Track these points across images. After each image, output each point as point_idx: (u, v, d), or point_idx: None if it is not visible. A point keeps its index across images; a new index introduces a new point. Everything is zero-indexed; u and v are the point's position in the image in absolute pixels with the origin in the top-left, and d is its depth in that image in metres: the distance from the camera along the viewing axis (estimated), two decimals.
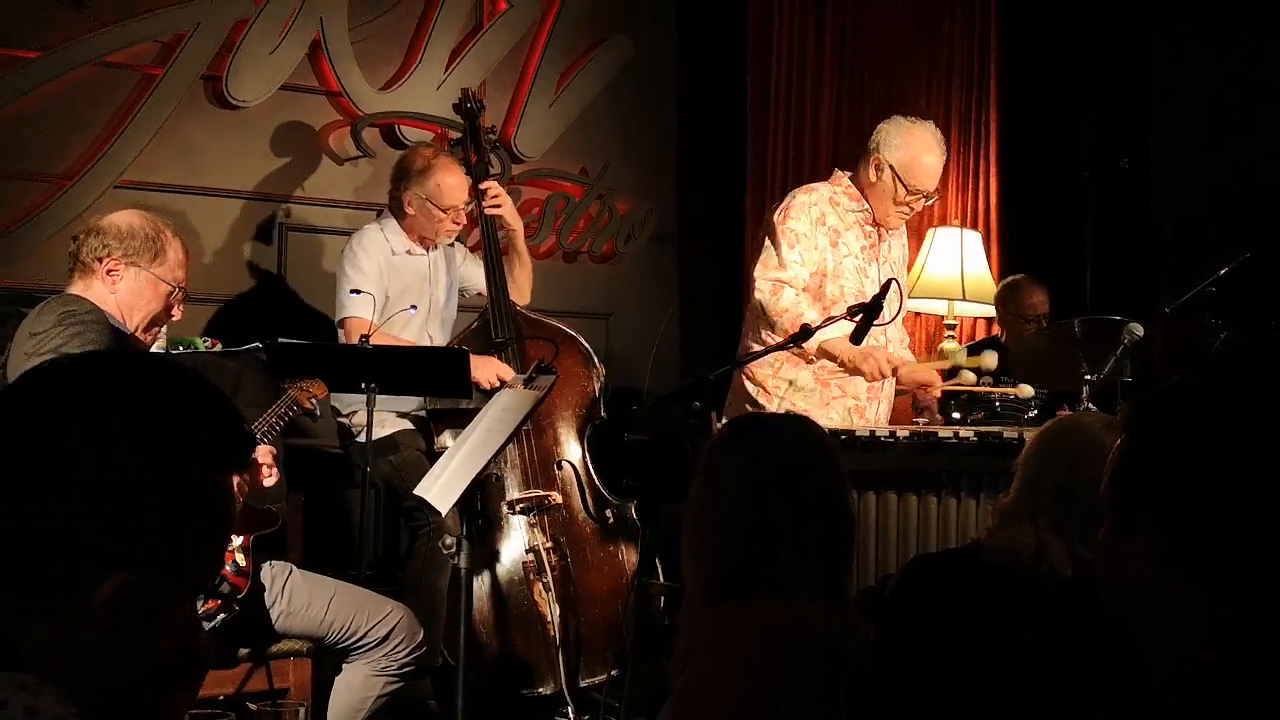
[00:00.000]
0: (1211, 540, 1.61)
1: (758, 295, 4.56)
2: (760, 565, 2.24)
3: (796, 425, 2.40)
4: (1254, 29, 6.16)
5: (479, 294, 5.18)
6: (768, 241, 4.62)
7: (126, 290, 3.51)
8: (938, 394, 4.61)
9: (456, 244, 5.20)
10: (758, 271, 4.59)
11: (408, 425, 4.89)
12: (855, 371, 4.45)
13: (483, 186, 4.94)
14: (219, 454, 1.34)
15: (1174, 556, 1.63)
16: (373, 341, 4.41)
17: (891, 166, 4.55)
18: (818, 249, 4.56)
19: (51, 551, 1.27)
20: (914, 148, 4.56)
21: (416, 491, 3.46)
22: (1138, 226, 6.72)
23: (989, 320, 6.78)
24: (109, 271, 3.49)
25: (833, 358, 4.48)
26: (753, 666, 2.16)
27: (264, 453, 3.63)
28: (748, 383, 4.65)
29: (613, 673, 4.49)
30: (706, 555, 2.31)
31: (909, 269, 5.60)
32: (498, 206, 4.96)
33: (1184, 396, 1.73)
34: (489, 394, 4.40)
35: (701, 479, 2.37)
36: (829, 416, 4.45)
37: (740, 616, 2.22)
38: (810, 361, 4.55)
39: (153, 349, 4.59)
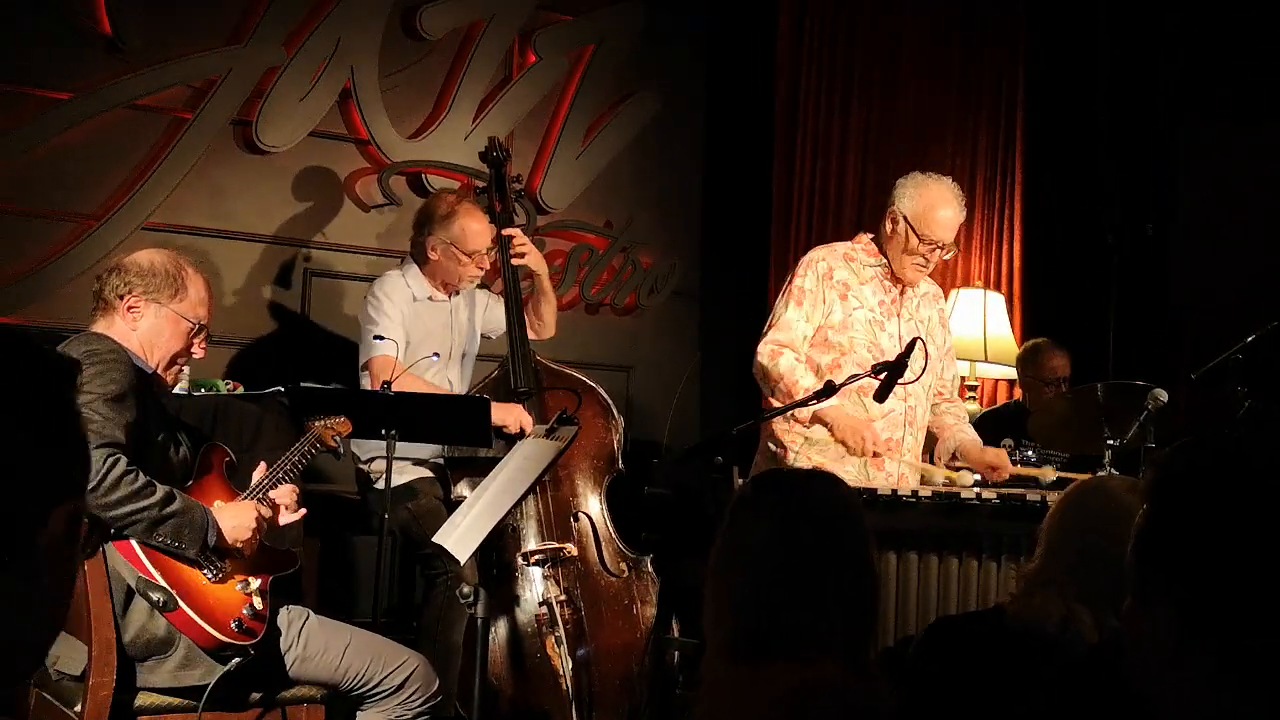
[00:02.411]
0: (1230, 619, 1.58)
1: (757, 359, 4.56)
2: (783, 625, 2.21)
3: (823, 482, 2.37)
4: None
5: (504, 335, 5.20)
6: (779, 301, 4.65)
7: (147, 327, 3.51)
8: (1005, 477, 4.56)
9: (479, 288, 5.20)
10: (763, 333, 4.61)
11: (426, 473, 4.88)
12: (840, 442, 4.42)
13: (507, 233, 4.95)
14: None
15: (1192, 632, 1.60)
16: (399, 385, 4.41)
17: (905, 217, 4.57)
18: (824, 303, 4.58)
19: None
20: (928, 199, 4.58)
21: (435, 539, 3.44)
22: (1160, 292, 6.72)
23: (1010, 382, 6.78)
24: (130, 309, 3.49)
25: (825, 424, 4.46)
26: None
27: (285, 492, 3.62)
28: (768, 439, 4.64)
29: None
30: (728, 613, 2.29)
31: None
32: (523, 255, 4.97)
33: (1205, 466, 1.70)
34: (509, 442, 4.39)
35: (724, 535, 2.34)
36: (845, 470, 4.43)
37: (762, 677, 2.19)
38: (807, 425, 4.53)
39: (175, 389, 4.62)
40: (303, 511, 3.66)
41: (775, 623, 2.22)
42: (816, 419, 4.46)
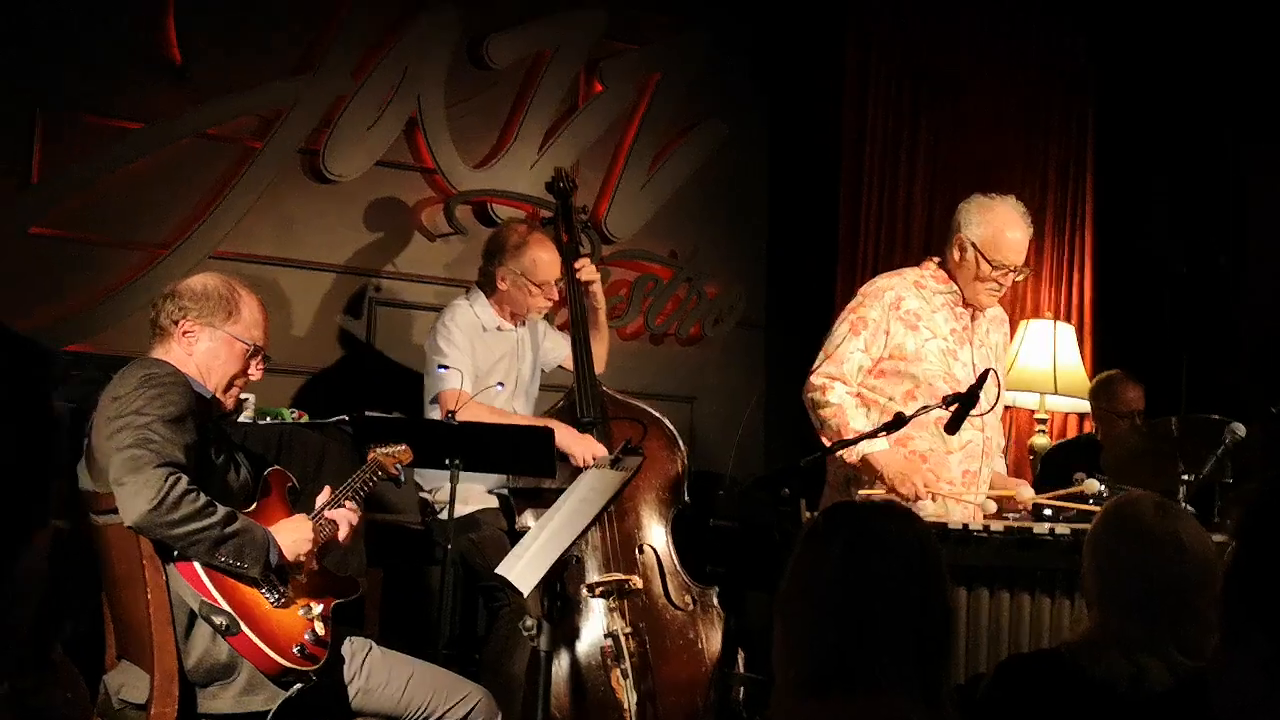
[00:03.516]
0: None
1: (809, 391, 4.48)
2: (854, 662, 2.16)
3: (897, 517, 2.31)
4: None
5: (560, 367, 5.18)
6: (837, 327, 4.56)
7: (203, 351, 3.52)
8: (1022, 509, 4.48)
9: (541, 321, 5.19)
10: (817, 361, 4.52)
11: (490, 503, 4.86)
12: (891, 490, 4.31)
13: (576, 266, 4.94)
14: None
15: None
16: (467, 413, 4.39)
17: (974, 244, 4.49)
18: (887, 334, 4.49)
19: None
20: (995, 223, 4.50)
21: (498, 571, 3.41)
22: (1232, 324, 6.61)
23: (1081, 416, 6.68)
24: (185, 333, 3.51)
25: (874, 470, 4.36)
26: None
27: (345, 511, 3.61)
28: (840, 471, 4.57)
29: None
30: (798, 649, 2.23)
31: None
32: (591, 282, 4.96)
33: None
34: (573, 472, 4.36)
35: (795, 569, 2.29)
36: (920, 506, 4.35)
37: (833, 713, 2.14)
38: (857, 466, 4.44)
39: (240, 418, 4.63)
40: (359, 516, 3.65)
41: (846, 659, 2.16)
42: (866, 464, 4.36)
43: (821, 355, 4.54)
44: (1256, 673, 1.55)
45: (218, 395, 3.55)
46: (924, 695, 2.19)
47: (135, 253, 5.43)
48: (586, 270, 4.97)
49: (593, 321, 5.04)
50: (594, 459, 4.48)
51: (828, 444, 4.34)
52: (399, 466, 3.91)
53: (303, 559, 3.44)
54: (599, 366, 5.06)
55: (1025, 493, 4.45)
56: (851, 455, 4.34)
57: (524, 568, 3.35)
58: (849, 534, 2.26)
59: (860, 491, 4.37)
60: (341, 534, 3.60)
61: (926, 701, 2.18)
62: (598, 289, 5.04)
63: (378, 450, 3.88)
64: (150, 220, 5.47)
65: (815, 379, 4.50)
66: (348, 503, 3.64)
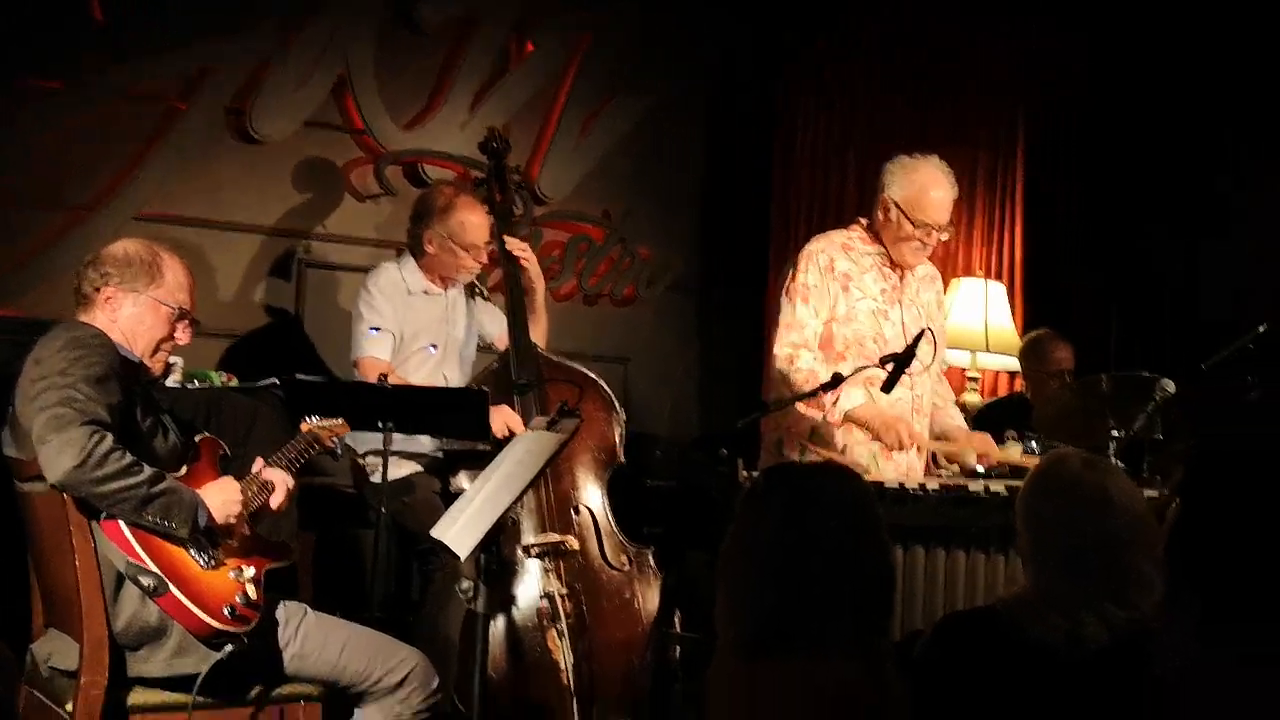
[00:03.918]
0: (1261, 610, 1.54)
1: (776, 363, 4.50)
2: (796, 623, 2.16)
3: (836, 476, 2.31)
4: None
5: (491, 344, 5.13)
6: (783, 299, 4.59)
7: (127, 317, 3.48)
8: (994, 462, 4.53)
9: (477, 296, 5.14)
10: (777, 336, 4.55)
11: (422, 467, 4.82)
12: (876, 438, 4.38)
13: (514, 249, 4.86)
14: None
15: (1220, 634, 1.55)
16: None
17: (897, 203, 4.53)
18: (830, 295, 4.53)
19: None
20: (918, 182, 4.54)
21: (433, 534, 3.38)
22: (1162, 283, 6.68)
23: (1011, 373, 6.73)
24: (108, 300, 3.47)
25: (859, 423, 4.41)
26: None
27: (277, 475, 3.58)
28: (774, 433, 4.59)
29: None
30: (739, 610, 2.23)
31: None
32: (527, 260, 4.90)
33: (1238, 468, 1.65)
34: (499, 442, 4.33)
35: (736, 530, 2.29)
36: (855, 463, 4.38)
37: (776, 676, 2.14)
38: (837, 425, 4.48)
39: (168, 381, 4.56)
40: (293, 483, 3.62)
41: (788, 622, 2.17)
42: (850, 419, 4.40)
43: (780, 330, 4.55)
44: (1192, 632, 1.56)
45: (145, 360, 3.51)
46: (863, 655, 2.19)
47: (58, 215, 5.32)
48: (522, 251, 4.90)
49: (530, 305, 4.97)
50: (508, 430, 4.45)
51: (817, 412, 4.36)
52: (335, 440, 3.89)
53: (232, 521, 3.41)
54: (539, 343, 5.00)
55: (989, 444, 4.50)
56: (832, 417, 4.41)
57: (460, 531, 3.33)
58: (788, 494, 2.26)
59: (818, 450, 4.41)
60: (275, 499, 3.57)
61: (866, 662, 2.18)
62: (535, 272, 4.96)
63: (313, 423, 3.84)
64: (74, 182, 5.36)
65: (780, 351, 4.51)
66: (282, 470, 3.60)
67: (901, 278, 4.65)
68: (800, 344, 4.49)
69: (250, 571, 3.40)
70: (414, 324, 4.89)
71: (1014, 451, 4.41)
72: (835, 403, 4.42)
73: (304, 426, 3.84)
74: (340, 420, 3.91)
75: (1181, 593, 1.59)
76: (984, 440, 4.60)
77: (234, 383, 5.00)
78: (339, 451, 4.05)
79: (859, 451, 4.48)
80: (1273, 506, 1.58)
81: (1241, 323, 4.72)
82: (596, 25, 6.48)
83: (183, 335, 3.59)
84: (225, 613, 3.27)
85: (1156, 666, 1.67)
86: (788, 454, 4.54)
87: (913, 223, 4.51)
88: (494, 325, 5.11)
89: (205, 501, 3.35)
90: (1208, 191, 6.55)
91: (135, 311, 3.49)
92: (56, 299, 5.08)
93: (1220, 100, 6.49)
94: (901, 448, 4.36)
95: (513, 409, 4.60)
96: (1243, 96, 6.40)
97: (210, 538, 3.36)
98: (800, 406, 4.46)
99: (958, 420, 4.80)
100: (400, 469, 4.70)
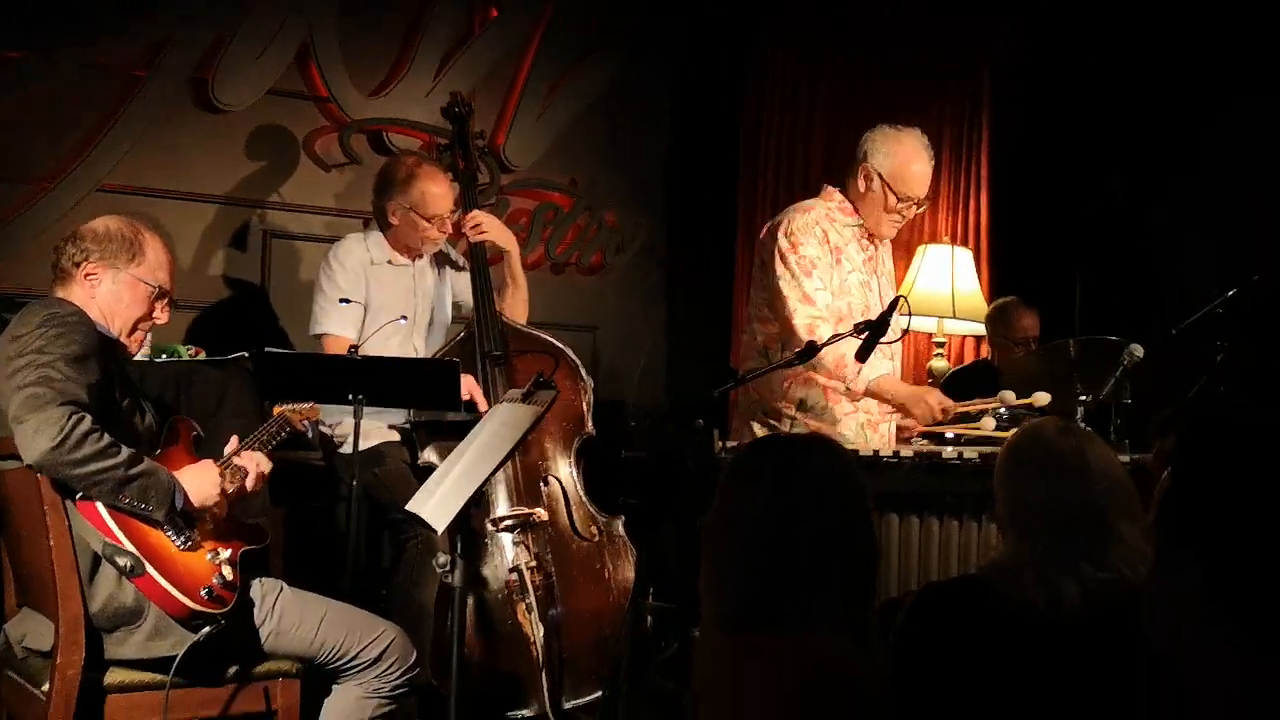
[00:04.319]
0: (1258, 580, 1.54)
1: (799, 335, 4.38)
2: (782, 596, 2.16)
3: (823, 449, 2.31)
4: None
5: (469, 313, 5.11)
6: (785, 274, 4.50)
7: (106, 294, 3.45)
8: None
9: (447, 267, 5.10)
10: (791, 310, 4.47)
11: (392, 436, 4.79)
12: (906, 413, 4.37)
13: (468, 219, 4.81)
14: None
15: (1219, 593, 1.56)
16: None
17: (880, 175, 4.52)
18: (830, 267, 4.52)
19: None
20: (903, 155, 4.53)
21: (409, 507, 3.37)
22: (1130, 248, 6.69)
23: (978, 339, 6.75)
24: (88, 275, 3.44)
25: (882, 398, 4.40)
26: (778, 706, 2.07)
27: (252, 459, 3.56)
28: (754, 403, 4.58)
29: (600, 694, 4.39)
30: (725, 583, 2.22)
31: (898, 285, 5.52)
32: (483, 233, 4.85)
33: (1231, 434, 1.66)
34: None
35: (721, 502, 2.28)
36: (840, 434, 4.38)
37: (761, 649, 2.14)
38: (856, 400, 4.47)
39: (137, 356, 4.52)
40: (268, 467, 3.59)
41: (774, 595, 2.16)
42: (871, 393, 4.39)
43: (792, 306, 4.48)
44: (1188, 598, 1.56)
45: (122, 338, 3.48)
46: (849, 628, 2.19)
47: (19, 187, 5.26)
48: (474, 220, 4.84)
49: (508, 272, 4.91)
50: (470, 397, 4.42)
51: (841, 386, 4.38)
52: (306, 424, 3.87)
53: (209, 506, 3.37)
54: (520, 319, 4.96)
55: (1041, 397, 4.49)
56: (856, 386, 4.39)
57: (437, 504, 3.32)
58: (776, 466, 2.26)
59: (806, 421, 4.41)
60: (250, 481, 3.54)
61: (853, 634, 2.18)
62: (501, 235, 4.90)
63: (284, 406, 3.82)
64: (35, 153, 5.30)
65: (799, 326, 4.44)
66: (257, 453, 3.58)
67: (876, 249, 4.66)
68: (819, 316, 4.45)
69: (227, 553, 3.38)
70: (380, 296, 4.85)
71: (988, 424, 4.41)
72: (859, 373, 4.39)
73: (276, 410, 3.82)
74: (310, 404, 3.89)
75: (1178, 558, 1.60)
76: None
77: (201, 356, 4.96)
78: (310, 435, 4.03)
79: (848, 424, 4.49)
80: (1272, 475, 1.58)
81: (1212, 288, 4.75)
82: None
83: (161, 315, 3.56)
84: (202, 594, 3.25)
85: (1150, 633, 1.68)
86: (770, 423, 4.54)
87: (896, 196, 4.51)
88: (469, 294, 5.08)
89: (183, 485, 3.32)
90: (1176, 155, 6.56)
91: (114, 289, 3.46)
92: (17, 272, 5.05)
93: (1187, 58, 6.50)
94: (934, 420, 4.34)
95: (478, 379, 4.58)
96: (1211, 54, 6.41)
97: (187, 519, 3.34)
98: (821, 377, 4.45)
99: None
100: (370, 439, 4.67)
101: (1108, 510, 2.54)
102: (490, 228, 4.88)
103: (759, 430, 4.55)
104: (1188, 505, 1.61)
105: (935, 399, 4.37)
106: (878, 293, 4.57)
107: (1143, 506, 2.54)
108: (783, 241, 4.56)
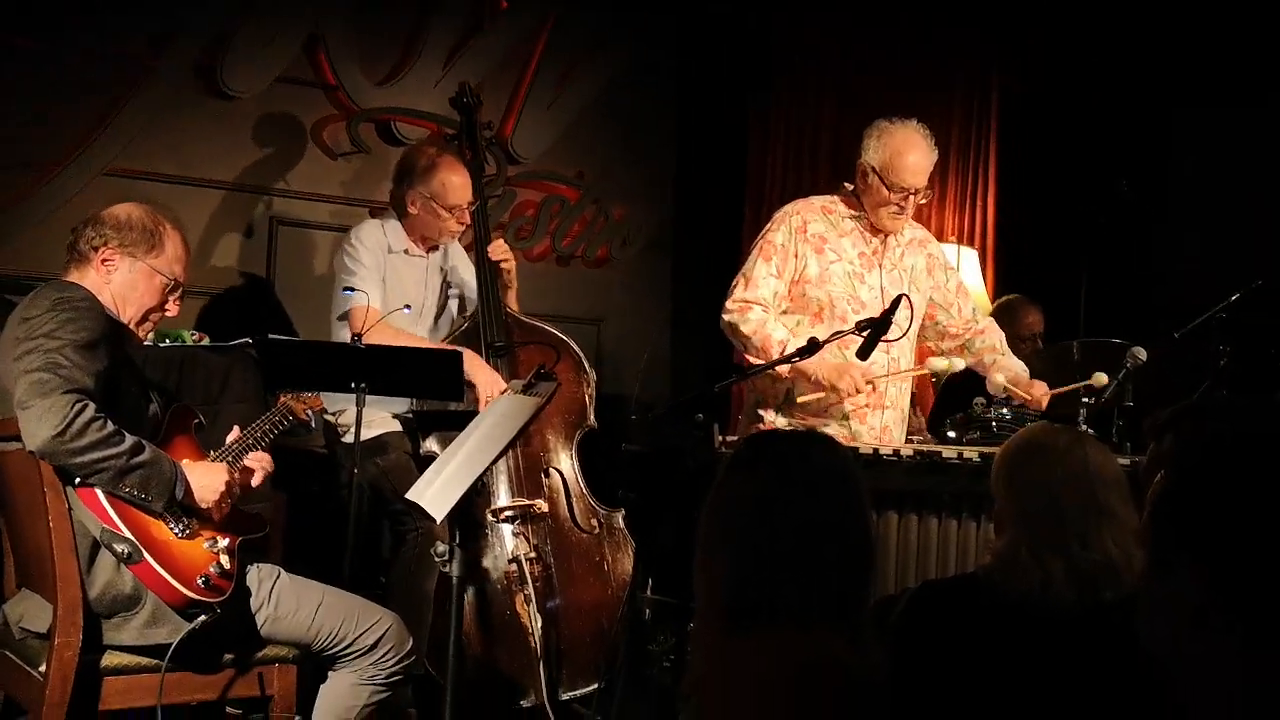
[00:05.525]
0: (1256, 583, 1.54)
1: (724, 317, 4.51)
2: (778, 593, 2.15)
3: (820, 444, 2.31)
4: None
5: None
6: (751, 252, 4.60)
7: (121, 281, 3.45)
8: (1043, 406, 4.50)
9: (454, 255, 5.10)
10: (733, 285, 4.55)
11: (395, 426, 4.79)
12: (831, 389, 4.38)
13: (493, 254, 4.79)
14: None
15: (1217, 596, 1.56)
16: (374, 334, 4.32)
17: (874, 168, 4.53)
18: (796, 258, 4.52)
19: None
20: (893, 146, 4.53)
21: (409, 496, 3.38)
22: (1135, 251, 6.68)
23: None
24: (104, 261, 3.44)
25: (807, 377, 4.41)
26: (772, 703, 2.07)
27: (258, 458, 3.56)
28: (751, 396, 4.59)
29: (597, 686, 4.40)
30: (720, 580, 2.22)
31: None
32: (507, 265, 4.85)
33: (1232, 441, 1.65)
34: (475, 403, 4.32)
35: (716, 499, 2.28)
36: (824, 426, 4.39)
37: (757, 647, 2.13)
38: (789, 381, 4.48)
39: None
40: (271, 466, 3.61)
41: (769, 591, 2.16)
42: (798, 372, 4.40)
43: (737, 281, 4.56)
44: (1185, 601, 1.56)
45: (131, 327, 3.48)
46: (845, 626, 2.19)
47: (27, 171, 5.26)
48: (501, 251, 4.85)
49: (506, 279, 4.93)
50: (499, 393, 4.43)
51: (756, 364, 4.37)
52: (309, 413, 3.87)
53: (211, 504, 3.38)
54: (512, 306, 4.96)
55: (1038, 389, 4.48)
56: (783, 370, 4.38)
57: (437, 494, 3.33)
58: (771, 462, 2.25)
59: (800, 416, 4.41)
60: (255, 480, 3.56)
61: (849, 633, 2.18)
62: (510, 266, 4.91)
63: (288, 396, 3.82)
64: (42, 138, 5.29)
65: (730, 304, 4.53)
66: (262, 452, 3.60)
67: (884, 243, 4.65)
68: (754, 300, 4.49)
69: (225, 543, 3.38)
70: (393, 283, 4.85)
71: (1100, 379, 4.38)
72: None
73: (280, 399, 3.83)
74: (314, 393, 3.90)
75: (1174, 560, 1.59)
76: (1040, 386, 4.56)
77: (205, 342, 4.96)
78: (313, 425, 4.04)
79: (833, 412, 4.49)
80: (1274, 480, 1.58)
81: (1214, 294, 4.75)
82: None
83: (173, 307, 3.58)
84: (199, 582, 3.26)
85: (1145, 635, 1.68)
86: (765, 417, 4.55)
87: (889, 187, 4.51)
88: (473, 288, 5.07)
89: (189, 479, 3.32)
90: (1181, 158, 6.56)
91: (130, 277, 3.46)
92: (24, 255, 5.06)
93: (1189, 60, 6.50)
94: (857, 393, 4.36)
95: None
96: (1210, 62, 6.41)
97: (185, 509, 3.34)
98: (752, 356, 4.47)
99: (1019, 366, 4.73)
100: (373, 428, 4.67)
101: (1105, 513, 2.56)
102: (511, 266, 4.88)
103: (753, 423, 4.57)
104: (1188, 507, 1.61)
105: (858, 372, 4.35)
106: (877, 287, 4.56)
107: (1139, 509, 2.55)
108: (765, 226, 4.64)
